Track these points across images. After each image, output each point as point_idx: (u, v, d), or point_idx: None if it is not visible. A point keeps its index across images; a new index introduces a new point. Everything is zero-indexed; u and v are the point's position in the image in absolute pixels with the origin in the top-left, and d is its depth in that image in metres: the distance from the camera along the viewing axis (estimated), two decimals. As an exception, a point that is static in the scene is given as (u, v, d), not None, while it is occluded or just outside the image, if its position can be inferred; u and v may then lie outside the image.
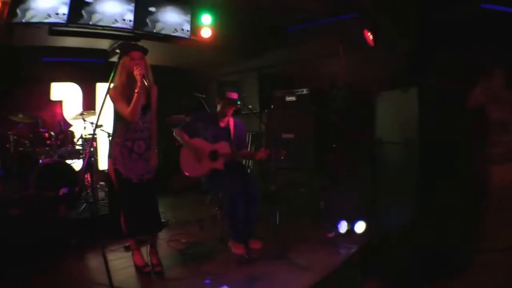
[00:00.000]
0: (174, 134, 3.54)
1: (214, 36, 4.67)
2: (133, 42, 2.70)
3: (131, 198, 2.77)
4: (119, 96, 2.64)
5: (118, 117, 2.73)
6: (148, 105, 2.82)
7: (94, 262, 3.13)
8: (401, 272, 3.23)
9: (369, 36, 3.88)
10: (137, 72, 2.61)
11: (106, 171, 2.91)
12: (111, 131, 2.91)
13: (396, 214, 3.44)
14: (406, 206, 3.29)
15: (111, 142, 2.81)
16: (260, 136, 5.35)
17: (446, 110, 3.37)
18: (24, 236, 3.08)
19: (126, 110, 2.63)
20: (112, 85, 2.70)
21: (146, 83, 2.65)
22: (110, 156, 2.79)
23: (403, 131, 3.31)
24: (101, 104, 2.25)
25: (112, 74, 2.42)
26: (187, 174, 3.65)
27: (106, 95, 2.26)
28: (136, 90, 2.61)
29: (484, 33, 3.46)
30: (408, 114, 3.23)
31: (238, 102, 3.51)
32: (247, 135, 5.23)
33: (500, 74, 3.49)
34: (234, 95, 3.52)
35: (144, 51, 2.77)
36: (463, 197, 3.46)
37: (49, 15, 3.39)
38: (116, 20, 3.82)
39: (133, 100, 2.61)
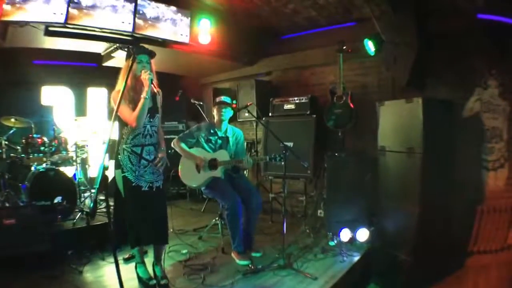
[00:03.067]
0: (172, 144, 3.50)
1: (212, 42, 4.61)
2: (141, 45, 2.61)
3: (140, 207, 2.64)
4: (124, 100, 2.51)
5: (124, 123, 2.61)
6: (156, 108, 2.73)
7: (93, 274, 3.00)
8: (402, 277, 3.27)
9: (370, 45, 3.92)
10: (145, 76, 2.51)
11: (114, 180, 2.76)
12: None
13: (398, 221, 3.47)
14: (407, 213, 3.31)
15: (117, 150, 2.66)
16: (256, 144, 5.30)
17: (444, 119, 3.44)
18: (19, 247, 2.91)
19: (131, 116, 2.52)
20: (116, 88, 2.61)
21: (154, 89, 2.56)
22: (118, 166, 2.65)
23: (406, 140, 3.34)
24: (115, 110, 2.12)
25: (126, 78, 2.30)
26: (188, 184, 3.58)
27: (119, 101, 2.13)
28: (142, 95, 2.51)
29: (480, 44, 3.57)
30: (412, 124, 3.26)
31: (225, 99, 3.49)
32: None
33: (494, 84, 3.63)
34: (225, 99, 3.51)
35: (152, 54, 2.69)
36: (461, 202, 3.53)
37: (46, 14, 3.25)
38: (116, 23, 3.72)
39: (139, 106, 2.51)
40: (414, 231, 3.26)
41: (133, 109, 2.53)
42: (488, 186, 3.66)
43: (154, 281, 2.77)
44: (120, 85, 2.58)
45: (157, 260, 2.86)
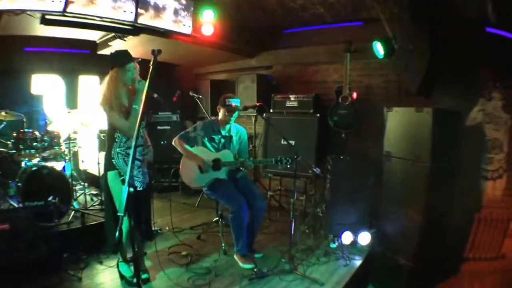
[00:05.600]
0: (173, 143, 3.40)
1: (214, 33, 4.41)
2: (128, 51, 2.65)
3: (137, 207, 2.60)
4: (115, 107, 2.57)
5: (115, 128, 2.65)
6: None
7: (93, 281, 2.87)
8: (401, 280, 3.32)
9: (379, 47, 3.85)
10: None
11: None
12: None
13: (399, 226, 3.50)
14: (410, 220, 3.34)
15: (108, 154, 2.67)
16: (254, 139, 5.20)
17: (451, 128, 3.45)
18: (14, 254, 2.73)
19: (125, 125, 2.58)
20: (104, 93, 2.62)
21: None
22: (110, 168, 2.66)
23: (413, 148, 3.33)
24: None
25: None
26: (189, 185, 3.46)
27: (145, 97, 2.19)
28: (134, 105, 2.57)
29: (487, 56, 3.57)
30: (420, 133, 3.24)
31: (235, 102, 3.39)
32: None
33: (498, 97, 3.67)
34: (236, 102, 3.40)
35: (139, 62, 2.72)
36: (460, 209, 3.60)
37: (44, 2, 2.99)
38: (116, 11, 3.48)
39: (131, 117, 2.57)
40: (416, 238, 3.29)
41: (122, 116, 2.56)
42: (486, 195, 3.73)
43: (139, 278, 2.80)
44: (104, 93, 2.61)
45: (141, 256, 2.93)
